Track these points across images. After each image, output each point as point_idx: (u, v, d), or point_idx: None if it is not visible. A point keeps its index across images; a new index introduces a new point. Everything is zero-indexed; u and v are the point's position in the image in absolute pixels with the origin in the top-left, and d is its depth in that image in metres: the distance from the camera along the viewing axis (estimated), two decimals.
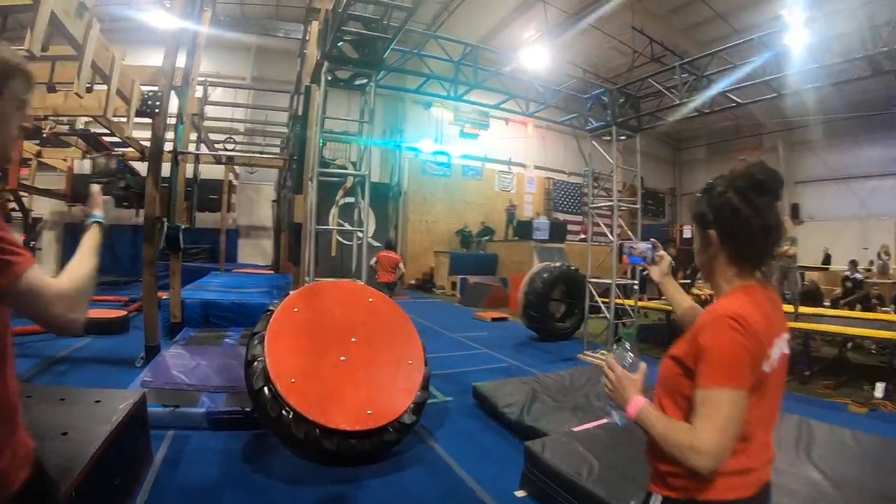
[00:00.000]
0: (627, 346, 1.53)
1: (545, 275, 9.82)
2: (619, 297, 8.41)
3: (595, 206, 9.13)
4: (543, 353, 8.67)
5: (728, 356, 1.23)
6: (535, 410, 4.80)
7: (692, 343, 1.30)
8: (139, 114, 6.17)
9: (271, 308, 4.36)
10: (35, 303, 1.09)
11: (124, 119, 6.27)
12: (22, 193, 13.98)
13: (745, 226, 1.35)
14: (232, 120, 15.80)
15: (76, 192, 15.35)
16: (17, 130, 1.22)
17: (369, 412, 3.83)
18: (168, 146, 6.84)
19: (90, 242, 1.47)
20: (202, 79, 8.85)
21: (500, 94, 7.87)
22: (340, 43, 5.54)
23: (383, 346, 4.33)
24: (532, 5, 14.88)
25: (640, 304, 9.08)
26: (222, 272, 14.31)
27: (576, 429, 3.97)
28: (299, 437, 3.63)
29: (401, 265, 9.69)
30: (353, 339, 4.26)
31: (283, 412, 3.69)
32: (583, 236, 20.24)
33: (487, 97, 8.26)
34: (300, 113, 7.06)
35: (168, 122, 6.70)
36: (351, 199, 14.72)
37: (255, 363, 3.91)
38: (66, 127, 10.82)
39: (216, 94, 15.70)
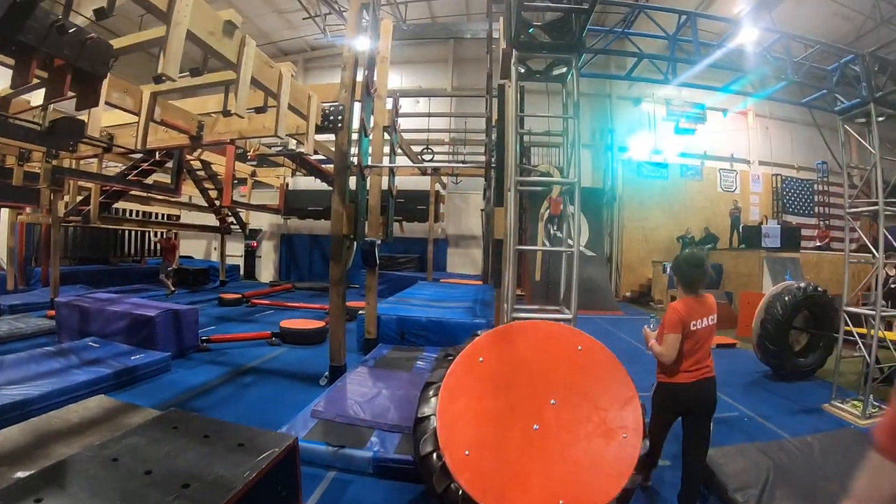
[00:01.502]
0: (655, 319, 3.70)
1: (786, 297, 7.84)
2: (881, 330, 6.23)
3: (854, 210, 6.92)
4: (781, 397, 6.85)
5: (668, 319, 3.34)
6: (778, 500, 3.49)
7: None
8: (320, 130, 5.96)
9: (451, 353, 3.58)
10: None
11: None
12: (239, 209, 15.78)
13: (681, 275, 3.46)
14: (432, 130, 15.92)
15: (289, 206, 16.96)
16: None
17: (561, 503, 2.83)
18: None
19: None
20: (392, 89, 8.60)
21: (727, 72, 6.26)
22: (531, 30, 4.65)
23: (591, 412, 3.23)
24: None
25: None
26: (429, 282, 14.44)
27: None
28: None
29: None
30: (552, 402, 3.24)
31: (452, 487, 2.90)
32: (818, 243, 16.96)
33: (709, 81, 6.64)
34: (495, 116, 6.31)
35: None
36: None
37: (425, 423, 3.16)
38: (273, 148, 11.57)
39: (418, 106, 16.08)
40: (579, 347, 3.51)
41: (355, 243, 6.26)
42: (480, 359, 3.41)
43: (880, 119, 6.25)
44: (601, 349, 3.54)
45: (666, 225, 18.49)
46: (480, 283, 14.28)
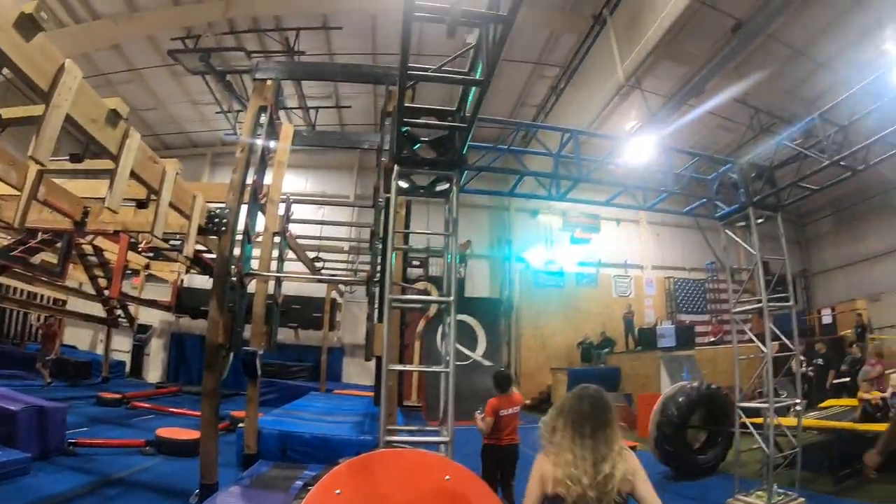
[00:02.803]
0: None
1: (680, 399, 8.08)
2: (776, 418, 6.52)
3: (740, 309, 7.40)
4: (684, 497, 6.88)
5: (487, 407, 5.32)
6: None
7: None
8: (204, 231, 5.73)
9: (309, 484, 3.28)
10: None
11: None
12: (128, 302, 14.78)
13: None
14: (331, 239, 15.89)
15: (182, 304, 16.06)
16: None
17: None
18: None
19: None
20: (288, 193, 8.53)
21: (611, 186, 6.72)
22: (417, 145, 4.77)
23: None
24: (627, 95, 14.04)
25: (805, 422, 7.05)
26: (321, 393, 13.89)
27: None
28: None
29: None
30: None
31: None
32: (712, 338, 17.96)
33: (595, 194, 7.08)
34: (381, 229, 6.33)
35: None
36: (465, 317, 14.35)
37: None
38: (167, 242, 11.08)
39: (321, 212, 16.11)
40: (447, 478, 3.29)
41: (231, 354, 5.88)
42: (337, 491, 3.12)
43: (759, 221, 6.82)
44: (471, 479, 3.35)
45: (563, 331, 19.12)
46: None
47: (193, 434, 8.12)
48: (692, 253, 21.15)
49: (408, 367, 7.91)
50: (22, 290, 15.14)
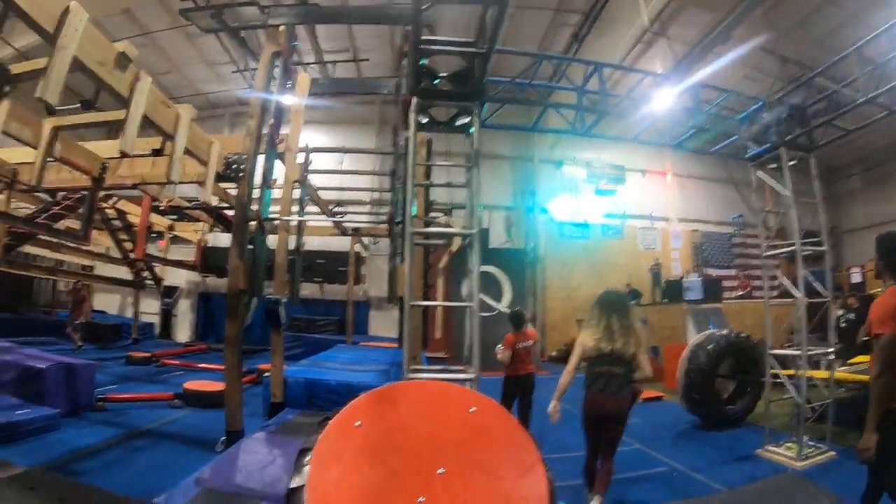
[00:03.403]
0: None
1: (709, 346, 7.89)
2: (808, 369, 6.35)
3: (771, 252, 7.11)
4: (711, 447, 6.77)
5: (504, 342, 6.03)
6: None
7: None
8: (221, 178, 5.68)
9: (329, 416, 3.22)
10: None
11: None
12: (153, 263, 14.98)
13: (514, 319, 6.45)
14: (352, 189, 15.74)
15: (207, 263, 16.23)
16: None
17: None
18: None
19: None
20: (303, 145, 8.40)
21: (637, 127, 6.43)
22: (437, 80, 4.58)
23: (486, 482, 2.86)
24: (652, 43, 13.68)
25: (837, 374, 6.75)
26: (347, 346, 13.95)
27: None
28: None
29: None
30: (439, 471, 2.90)
31: None
32: (740, 292, 17.69)
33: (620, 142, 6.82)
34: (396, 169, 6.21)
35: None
36: (489, 268, 14.28)
37: (297, 495, 2.76)
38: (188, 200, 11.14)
39: (342, 165, 16.02)
40: (472, 408, 3.20)
41: (255, 300, 5.85)
42: (357, 422, 3.04)
43: (792, 163, 6.53)
44: (498, 409, 3.26)
45: (589, 283, 18.70)
46: (399, 345, 13.95)
47: (220, 386, 8.25)
48: (719, 206, 20.81)
49: (431, 303, 7.88)
50: (49, 259, 15.48)
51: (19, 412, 5.97)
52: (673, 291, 16.17)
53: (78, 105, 4.50)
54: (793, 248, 6.55)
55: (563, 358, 16.84)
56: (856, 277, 18.64)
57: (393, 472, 2.87)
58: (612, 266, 19.26)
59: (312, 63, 14.77)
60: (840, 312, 9.55)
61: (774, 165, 6.70)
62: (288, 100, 6.70)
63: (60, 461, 5.12)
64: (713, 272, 19.56)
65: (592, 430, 4.29)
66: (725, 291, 17.18)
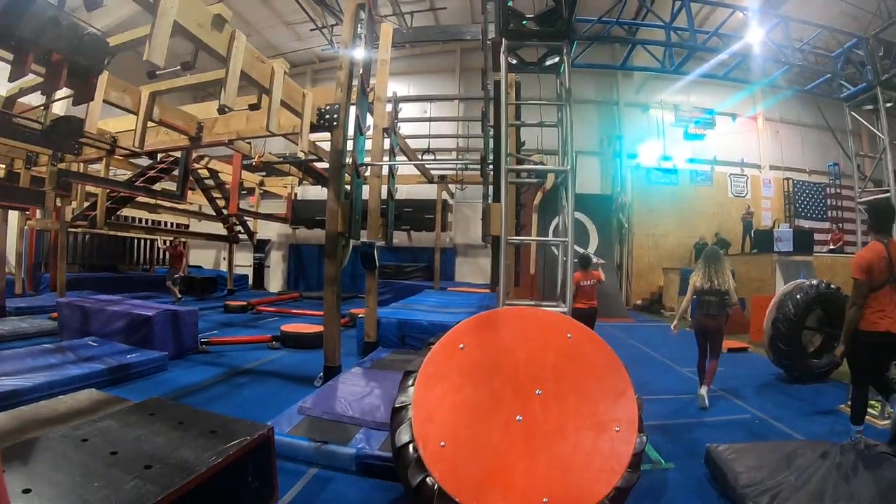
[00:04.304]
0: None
1: (798, 296, 7.57)
2: None
3: (865, 199, 6.71)
4: (795, 399, 6.58)
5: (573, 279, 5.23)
6: (796, 501, 3.20)
7: None
8: (316, 128, 5.95)
9: (432, 341, 3.47)
10: None
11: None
12: (246, 217, 15.82)
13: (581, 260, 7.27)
14: (437, 136, 15.88)
15: (297, 216, 17.00)
16: None
17: (545, 501, 2.68)
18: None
19: None
20: (391, 94, 8.58)
21: (727, 65, 6.14)
22: (524, 21, 4.59)
23: (580, 404, 3.06)
24: None
25: None
26: (435, 291, 14.35)
27: None
28: None
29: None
30: (537, 392, 3.10)
31: (427, 481, 2.74)
32: (832, 247, 16.62)
33: (711, 85, 6.54)
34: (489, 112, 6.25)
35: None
36: (578, 213, 14.05)
37: (403, 412, 3.05)
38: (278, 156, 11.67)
39: (425, 115, 16.17)
40: (569, 335, 3.37)
41: (351, 242, 6.17)
42: (461, 346, 3.28)
43: (888, 105, 6.10)
44: (593, 337, 3.40)
45: (676, 232, 18.32)
46: (488, 290, 14.11)
47: (316, 328, 8.81)
48: (814, 154, 19.47)
49: (526, 238, 8.07)
50: (147, 220, 16.64)
51: (130, 356, 6.54)
52: (762, 242, 15.39)
53: (177, 68, 4.81)
54: (888, 193, 6.15)
55: (647, 308, 16.70)
56: None
57: (493, 392, 3.11)
58: (700, 214, 18.62)
59: (389, 15, 14.82)
60: None
61: (871, 107, 6.27)
62: (372, 49, 6.83)
63: (171, 397, 5.51)
64: (805, 223, 18.51)
65: (701, 338, 6.01)
66: (817, 245, 16.14)
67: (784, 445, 4.18)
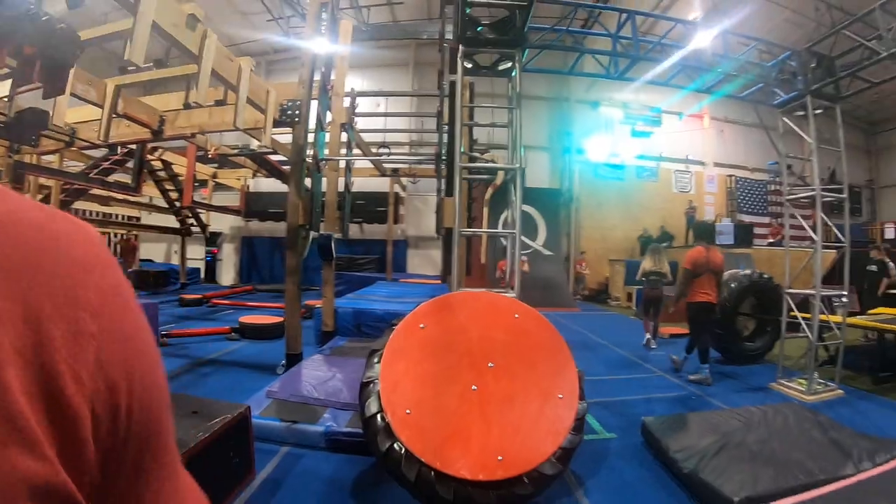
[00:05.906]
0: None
1: (732, 285, 8.23)
2: (824, 313, 6.69)
3: (792, 196, 7.34)
4: (729, 378, 7.21)
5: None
6: (718, 461, 3.65)
7: None
8: (278, 124, 6.13)
9: (395, 323, 3.78)
10: None
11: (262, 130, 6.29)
12: (199, 210, 15.65)
13: None
14: (390, 130, 16.07)
15: (250, 208, 16.91)
16: None
17: (500, 458, 3.02)
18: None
19: None
20: (349, 90, 8.77)
21: (670, 72, 6.64)
22: (480, 28, 4.92)
23: (528, 375, 3.45)
24: None
25: (849, 320, 7.08)
26: (388, 282, 14.50)
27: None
28: (410, 478, 2.96)
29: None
30: (490, 365, 3.46)
31: (395, 446, 3.05)
32: (771, 240, 17.70)
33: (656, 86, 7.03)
34: (446, 113, 6.55)
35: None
36: (525, 207, 14.47)
37: (370, 386, 3.35)
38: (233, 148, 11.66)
39: (379, 108, 16.33)
40: (516, 315, 3.75)
41: (311, 234, 6.39)
42: (422, 325, 3.61)
43: (817, 112, 6.71)
44: (537, 317, 3.79)
45: (623, 225, 19.07)
46: (439, 282, 14.45)
47: (274, 319, 8.97)
48: (756, 152, 20.44)
49: (477, 230, 8.40)
50: (98, 212, 16.19)
51: None
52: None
53: (150, 65, 4.92)
54: (813, 193, 6.78)
55: (593, 297, 17.38)
56: (889, 233, 18.53)
57: (451, 365, 3.46)
58: (646, 208, 19.40)
59: (347, 8, 14.90)
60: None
61: (802, 113, 6.87)
62: (334, 47, 7.02)
63: None
64: (746, 218, 19.57)
65: (648, 304, 8.81)
66: (757, 238, 17.21)
67: (711, 415, 4.69)
